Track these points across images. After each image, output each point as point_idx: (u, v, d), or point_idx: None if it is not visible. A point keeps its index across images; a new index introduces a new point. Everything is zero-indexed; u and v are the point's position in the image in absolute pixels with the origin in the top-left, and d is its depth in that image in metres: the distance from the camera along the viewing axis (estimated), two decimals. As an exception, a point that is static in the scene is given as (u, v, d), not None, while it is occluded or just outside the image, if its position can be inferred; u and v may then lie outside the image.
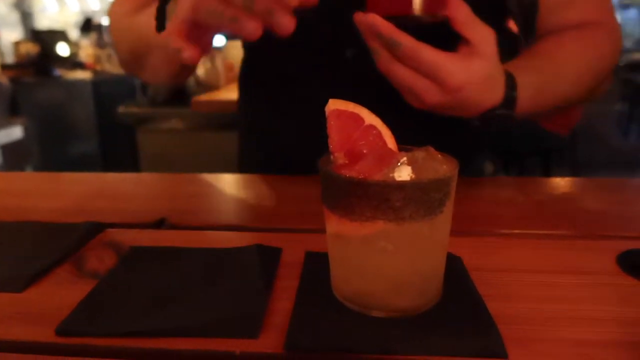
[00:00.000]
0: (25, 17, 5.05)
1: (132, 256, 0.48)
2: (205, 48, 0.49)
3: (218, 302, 0.40)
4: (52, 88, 3.43)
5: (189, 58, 0.47)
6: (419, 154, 0.37)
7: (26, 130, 2.92)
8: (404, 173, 0.35)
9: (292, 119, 0.75)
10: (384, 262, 0.36)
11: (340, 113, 0.40)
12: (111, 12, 0.75)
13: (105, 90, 3.38)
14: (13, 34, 4.62)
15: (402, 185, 0.34)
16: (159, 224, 0.57)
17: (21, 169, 2.98)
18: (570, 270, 0.46)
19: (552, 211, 0.63)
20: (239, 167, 0.89)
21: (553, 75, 0.64)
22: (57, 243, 0.50)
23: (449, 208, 0.36)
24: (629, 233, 0.54)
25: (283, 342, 0.35)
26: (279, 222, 0.57)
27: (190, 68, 0.73)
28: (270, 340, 0.35)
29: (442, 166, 0.37)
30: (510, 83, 0.57)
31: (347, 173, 0.36)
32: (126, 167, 2.72)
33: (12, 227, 0.55)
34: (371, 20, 0.50)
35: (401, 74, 0.53)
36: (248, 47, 0.82)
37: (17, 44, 4.01)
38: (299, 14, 0.44)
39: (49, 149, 3.29)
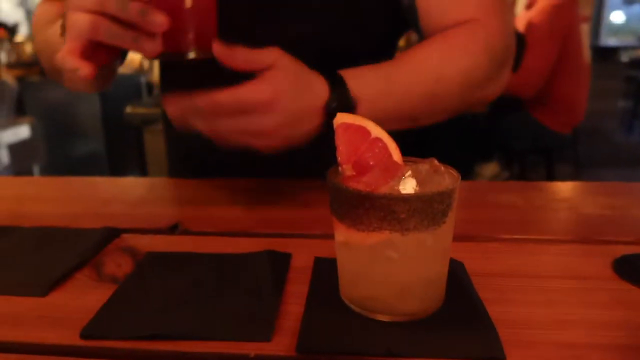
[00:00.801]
0: (30, 15, 5.06)
1: (148, 262, 0.50)
2: (102, 59, 0.51)
3: (232, 306, 0.42)
4: (59, 87, 3.42)
5: (85, 76, 0.48)
6: (423, 166, 0.39)
7: (33, 129, 2.94)
8: (408, 186, 0.37)
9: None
10: (390, 269, 0.38)
11: (347, 126, 0.42)
12: (34, 21, 0.74)
13: (111, 90, 3.39)
14: (18, 33, 4.64)
15: (407, 198, 0.36)
16: (173, 229, 0.59)
17: (28, 168, 3.00)
18: (568, 275, 0.47)
19: (551, 216, 0.65)
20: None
21: (406, 73, 0.61)
22: (76, 248, 0.52)
23: (451, 218, 0.38)
24: (626, 238, 0.55)
25: (295, 345, 0.37)
26: (288, 228, 0.58)
27: (108, 74, 0.72)
28: (282, 343, 0.38)
29: (445, 178, 0.39)
30: (337, 81, 0.56)
31: (355, 185, 0.38)
32: (132, 167, 2.74)
33: (31, 232, 0.57)
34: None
35: (225, 126, 0.52)
36: None
37: (22, 43, 4.02)
38: None
39: (56, 149, 3.31)
